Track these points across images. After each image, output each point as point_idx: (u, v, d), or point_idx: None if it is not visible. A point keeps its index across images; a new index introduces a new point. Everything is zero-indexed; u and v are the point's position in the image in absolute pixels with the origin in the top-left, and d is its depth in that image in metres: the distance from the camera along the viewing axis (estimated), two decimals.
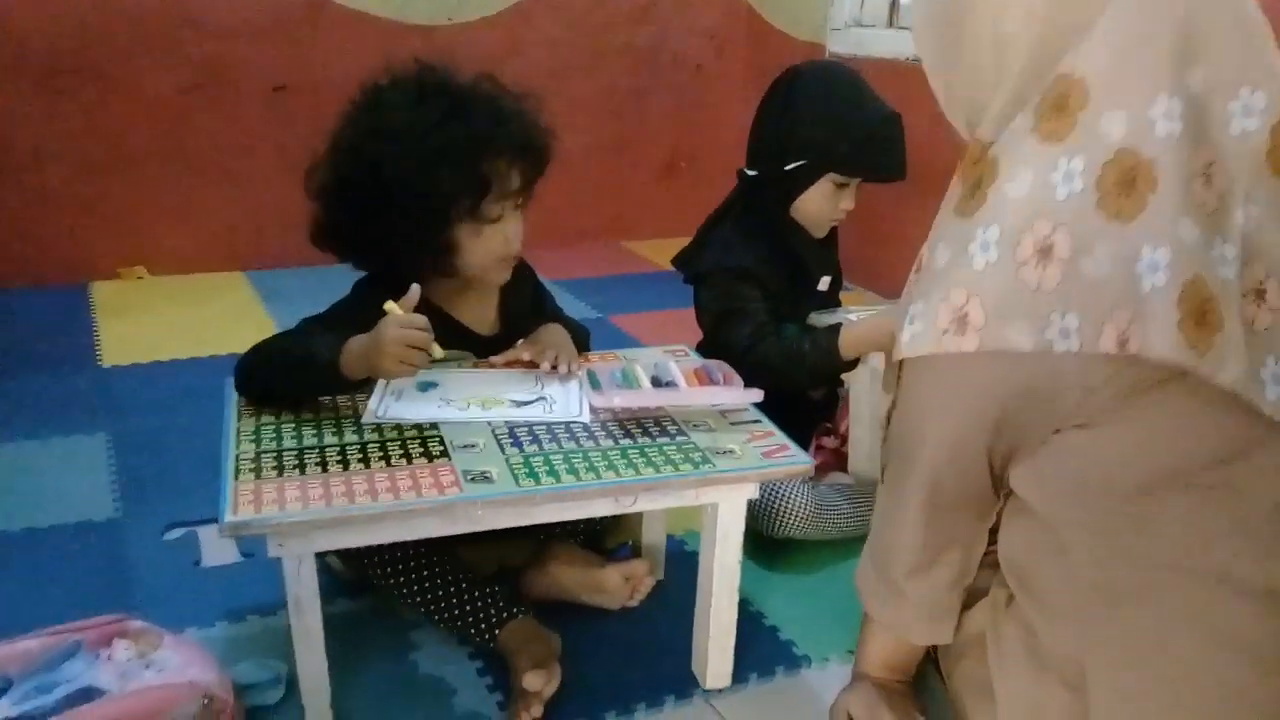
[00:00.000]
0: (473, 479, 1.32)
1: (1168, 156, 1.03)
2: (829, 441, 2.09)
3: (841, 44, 3.63)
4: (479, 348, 1.71)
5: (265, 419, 1.48)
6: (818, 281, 1.99)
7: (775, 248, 1.92)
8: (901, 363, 1.21)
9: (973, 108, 1.18)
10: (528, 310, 1.78)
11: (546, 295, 1.84)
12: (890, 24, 3.54)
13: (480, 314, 1.72)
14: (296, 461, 1.35)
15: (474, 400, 1.54)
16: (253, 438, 1.42)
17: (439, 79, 1.56)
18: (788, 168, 1.87)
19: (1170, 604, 1.09)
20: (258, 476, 1.31)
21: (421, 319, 1.45)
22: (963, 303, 1.10)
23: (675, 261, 2.03)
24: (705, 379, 1.61)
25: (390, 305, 1.45)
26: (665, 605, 1.69)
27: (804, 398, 2.06)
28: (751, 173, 1.94)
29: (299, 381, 1.49)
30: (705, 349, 1.97)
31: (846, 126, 1.83)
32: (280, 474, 1.32)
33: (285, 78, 3.53)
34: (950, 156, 1.22)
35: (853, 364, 1.87)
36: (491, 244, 1.59)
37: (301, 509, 1.24)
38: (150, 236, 3.53)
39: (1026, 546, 1.23)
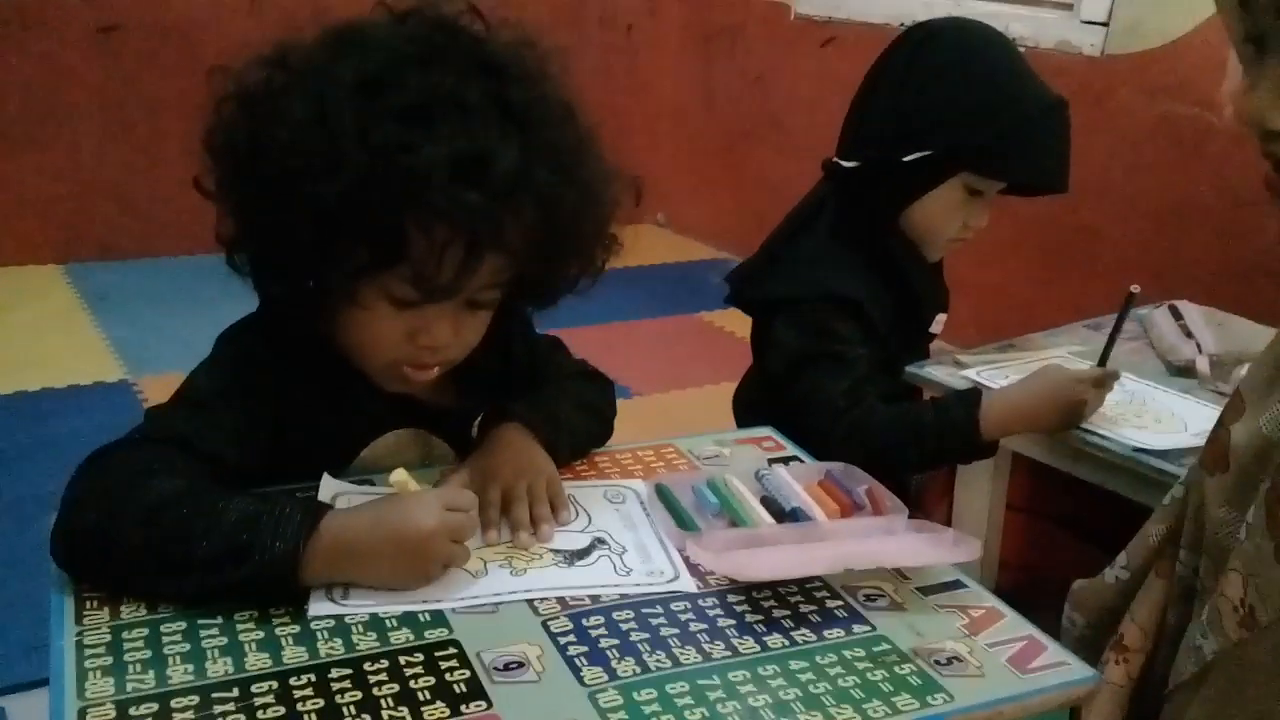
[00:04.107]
0: None
1: None
2: None
3: (809, 3, 3.09)
4: (431, 426, 1.09)
5: (128, 613, 0.82)
6: (930, 320, 1.45)
7: (881, 271, 1.37)
8: None
9: None
10: (499, 368, 1.13)
11: (535, 345, 1.19)
12: None
13: None
14: None
15: (491, 556, 0.92)
16: (108, 661, 0.77)
17: (459, 40, 0.92)
18: (906, 159, 1.32)
19: None
20: None
21: (469, 496, 0.89)
22: None
23: (734, 280, 1.46)
24: (845, 504, 1.04)
25: (402, 476, 0.87)
26: None
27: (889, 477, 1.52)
28: (849, 164, 1.37)
29: (205, 584, 0.82)
30: (757, 404, 1.42)
31: (996, 110, 1.30)
32: None
33: (117, 15, 2.80)
34: None
35: (991, 448, 1.33)
36: (379, 336, 0.95)
37: None
38: None
39: None
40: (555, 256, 0.98)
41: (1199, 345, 1.53)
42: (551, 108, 0.94)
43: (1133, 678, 0.95)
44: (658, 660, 0.81)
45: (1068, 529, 1.48)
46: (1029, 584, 1.49)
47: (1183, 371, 1.50)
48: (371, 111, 0.85)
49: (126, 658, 0.77)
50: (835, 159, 1.40)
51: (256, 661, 0.78)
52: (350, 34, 0.92)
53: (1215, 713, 0.84)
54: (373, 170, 0.84)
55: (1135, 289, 1.28)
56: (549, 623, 0.85)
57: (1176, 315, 1.65)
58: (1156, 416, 1.35)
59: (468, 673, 0.78)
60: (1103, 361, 1.31)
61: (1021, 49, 1.41)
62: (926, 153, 1.32)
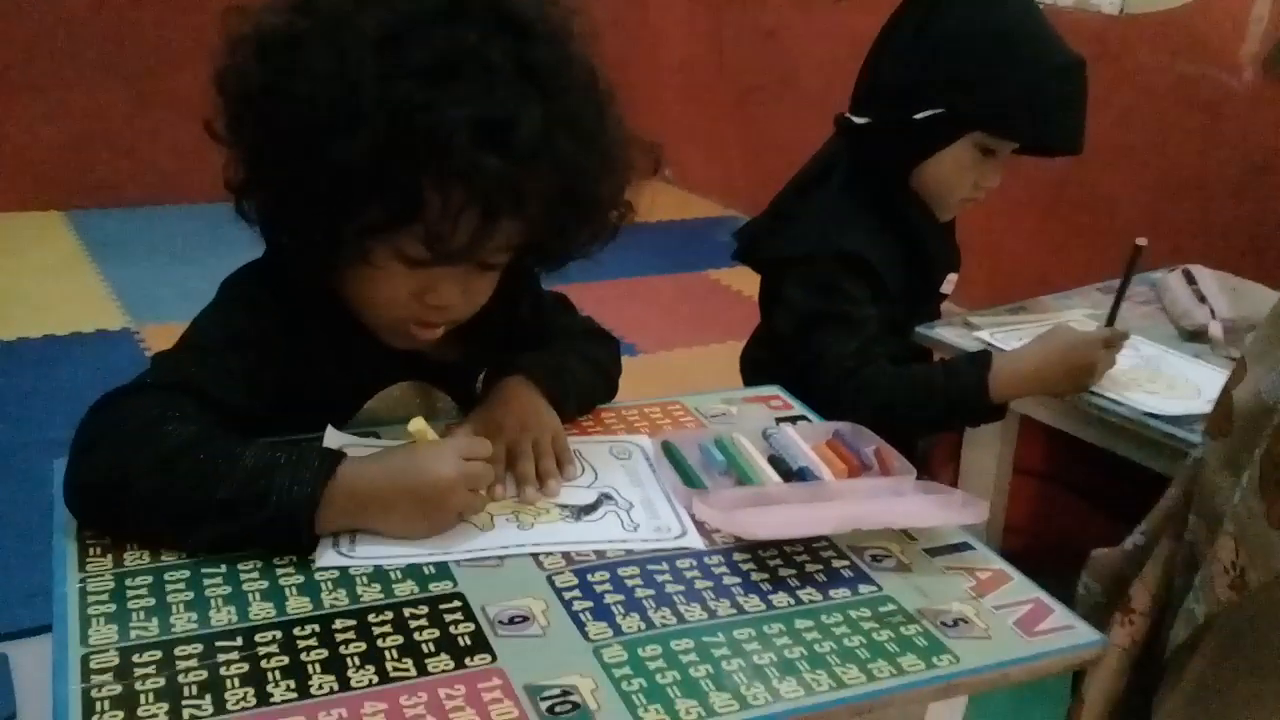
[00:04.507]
0: (551, 708, 0.70)
1: None
2: None
3: None
4: (435, 379, 1.08)
5: (132, 560, 0.82)
6: (941, 280, 1.44)
7: (893, 230, 1.36)
8: None
9: None
10: (505, 324, 1.10)
11: (542, 301, 1.17)
12: None
13: None
14: (204, 674, 0.70)
15: (498, 510, 0.92)
16: (111, 609, 0.76)
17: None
18: (917, 117, 1.29)
19: None
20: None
21: (485, 445, 0.88)
22: None
23: (743, 237, 1.44)
24: (853, 464, 1.03)
25: (420, 424, 0.86)
26: None
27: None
28: (861, 120, 1.34)
29: (220, 530, 0.82)
30: (765, 363, 1.42)
31: (1010, 68, 1.27)
32: (174, 713, 0.67)
33: None
34: None
35: (1000, 410, 1.32)
36: (387, 293, 0.93)
37: None
38: None
39: None
40: (570, 223, 0.96)
41: (1212, 310, 1.51)
42: (575, 71, 0.91)
43: (1137, 641, 0.94)
44: (663, 617, 0.81)
45: (1077, 494, 1.47)
46: (1036, 548, 1.48)
47: (1195, 336, 1.49)
48: (393, 67, 0.83)
49: (130, 605, 0.77)
50: (848, 114, 1.38)
51: (260, 611, 0.77)
52: None
53: (1209, 675, 0.84)
54: (392, 129, 0.82)
55: (1141, 242, 1.26)
56: (554, 577, 0.84)
57: (1190, 279, 1.63)
58: (1170, 382, 1.34)
59: (472, 625, 0.78)
60: (1110, 321, 1.30)
61: (1040, 5, 1.38)
62: (938, 111, 1.29)
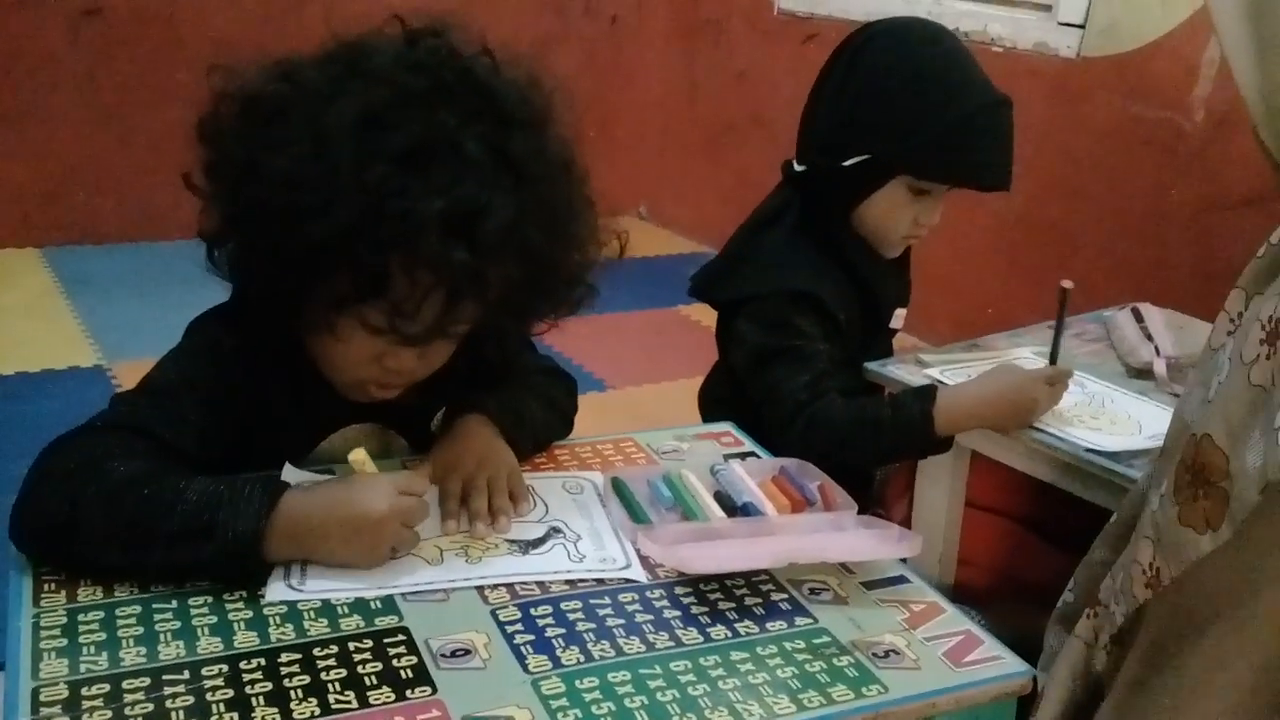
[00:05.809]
0: None
1: None
2: None
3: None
4: (391, 419, 1.11)
5: (85, 595, 0.84)
6: (889, 316, 1.48)
7: (841, 268, 1.41)
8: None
9: None
10: (467, 369, 1.11)
11: (505, 343, 1.17)
12: None
13: None
14: (150, 706, 0.73)
15: (448, 545, 0.94)
16: (62, 644, 0.78)
17: (466, 80, 0.91)
18: (846, 163, 1.33)
19: None
20: None
21: (423, 482, 0.91)
22: None
23: (698, 281, 1.47)
24: (796, 499, 1.06)
25: (361, 455, 0.88)
26: None
27: (854, 473, 1.54)
28: (800, 168, 1.39)
29: (169, 561, 0.84)
30: (723, 399, 1.45)
31: (927, 112, 1.31)
32: None
33: None
34: None
35: (945, 444, 1.35)
36: (347, 356, 0.97)
37: None
38: None
39: None
40: (532, 302, 1.00)
41: (1157, 348, 1.55)
42: (550, 160, 0.94)
43: (1099, 637, 0.95)
44: (601, 650, 0.83)
45: (1030, 529, 1.49)
46: (990, 582, 1.51)
47: (1141, 374, 1.53)
48: (370, 150, 0.85)
49: (81, 639, 0.79)
50: (790, 162, 1.42)
51: (208, 645, 0.79)
52: (357, 59, 0.91)
53: (1136, 681, 0.86)
54: (365, 213, 0.85)
55: (1067, 284, 1.30)
56: (498, 611, 0.87)
57: (1138, 318, 1.67)
58: (1113, 418, 1.37)
59: (415, 659, 0.80)
60: (1053, 360, 1.33)
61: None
62: (865, 156, 1.33)
